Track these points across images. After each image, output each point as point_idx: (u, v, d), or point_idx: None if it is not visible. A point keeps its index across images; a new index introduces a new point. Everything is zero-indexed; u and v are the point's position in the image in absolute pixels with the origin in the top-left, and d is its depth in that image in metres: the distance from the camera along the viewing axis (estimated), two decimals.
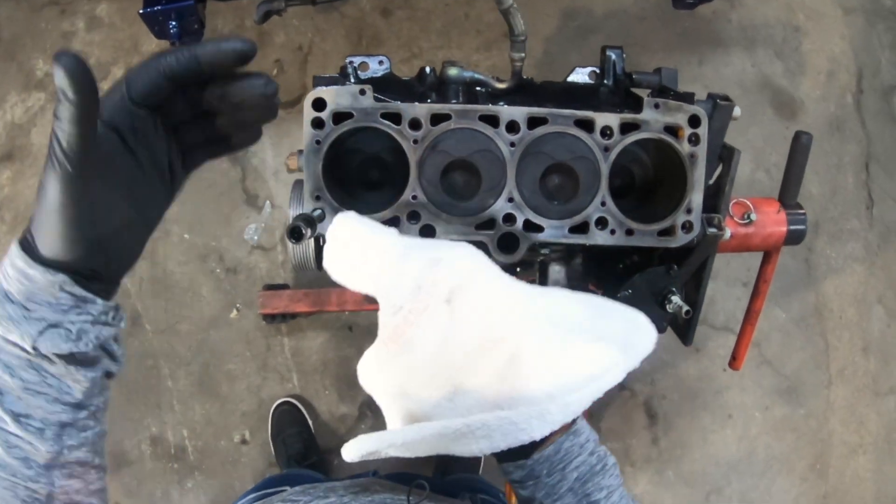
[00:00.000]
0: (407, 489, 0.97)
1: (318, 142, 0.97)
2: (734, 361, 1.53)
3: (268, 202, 2.43)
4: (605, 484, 0.76)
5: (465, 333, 0.73)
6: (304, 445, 2.28)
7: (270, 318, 2.23)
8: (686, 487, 2.45)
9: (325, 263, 0.80)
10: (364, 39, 2.52)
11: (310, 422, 2.34)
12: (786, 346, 2.50)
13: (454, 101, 1.13)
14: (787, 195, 1.34)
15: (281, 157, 2.44)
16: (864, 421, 2.52)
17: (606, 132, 0.98)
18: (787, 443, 2.48)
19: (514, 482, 0.78)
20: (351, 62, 1.13)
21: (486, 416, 0.70)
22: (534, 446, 0.73)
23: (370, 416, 2.36)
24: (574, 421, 0.76)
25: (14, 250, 0.61)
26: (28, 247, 0.61)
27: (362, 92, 0.96)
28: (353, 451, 0.75)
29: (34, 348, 0.62)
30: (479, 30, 2.52)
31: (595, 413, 2.41)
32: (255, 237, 2.40)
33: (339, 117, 0.97)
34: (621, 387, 2.44)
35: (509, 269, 1.42)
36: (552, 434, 0.73)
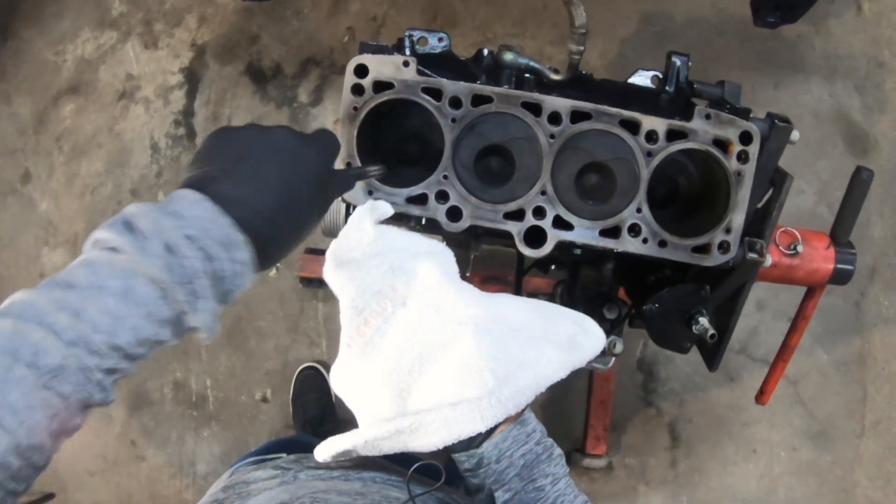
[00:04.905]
0: (399, 469, 0.97)
1: (355, 108, 0.96)
2: (762, 395, 1.48)
3: None
4: (551, 471, 0.80)
5: (419, 335, 0.80)
6: (321, 411, 2.29)
7: (308, 281, 2.25)
8: None
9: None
10: (439, 18, 2.50)
11: (332, 389, 2.35)
12: (823, 388, 2.41)
13: (505, 87, 1.11)
14: (840, 232, 1.28)
15: None
16: (892, 479, 2.41)
17: (652, 137, 0.95)
18: (810, 487, 2.40)
19: (465, 472, 0.82)
20: (410, 35, 1.12)
21: (433, 414, 0.76)
22: (483, 437, 0.78)
23: None
24: (522, 412, 0.81)
25: (244, 248, 0.65)
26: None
27: (406, 64, 0.95)
28: (324, 451, 0.85)
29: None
30: (555, 22, 2.48)
31: (618, 426, 2.36)
32: None
33: (379, 86, 0.96)
34: (647, 403, 2.39)
35: (541, 264, 1.40)
36: (500, 424, 0.78)
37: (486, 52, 1.15)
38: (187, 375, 2.39)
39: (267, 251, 0.69)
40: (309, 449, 1.26)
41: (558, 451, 0.83)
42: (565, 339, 0.83)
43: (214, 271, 0.63)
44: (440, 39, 1.15)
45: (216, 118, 2.49)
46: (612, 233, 0.96)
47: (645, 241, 0.97)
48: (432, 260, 0.85)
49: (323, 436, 2.24)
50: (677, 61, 1.17)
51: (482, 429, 0.75)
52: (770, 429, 2.40)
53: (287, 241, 0.73)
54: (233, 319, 2.39)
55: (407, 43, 1.11)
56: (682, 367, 2.39)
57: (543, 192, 0.94)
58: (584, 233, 0.96)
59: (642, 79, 1.20)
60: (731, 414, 2.40)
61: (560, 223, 0.95)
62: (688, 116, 0.96)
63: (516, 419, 0.81)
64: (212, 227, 0.62)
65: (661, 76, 1.18)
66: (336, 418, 2.29)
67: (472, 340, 0.78)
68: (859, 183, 1.24)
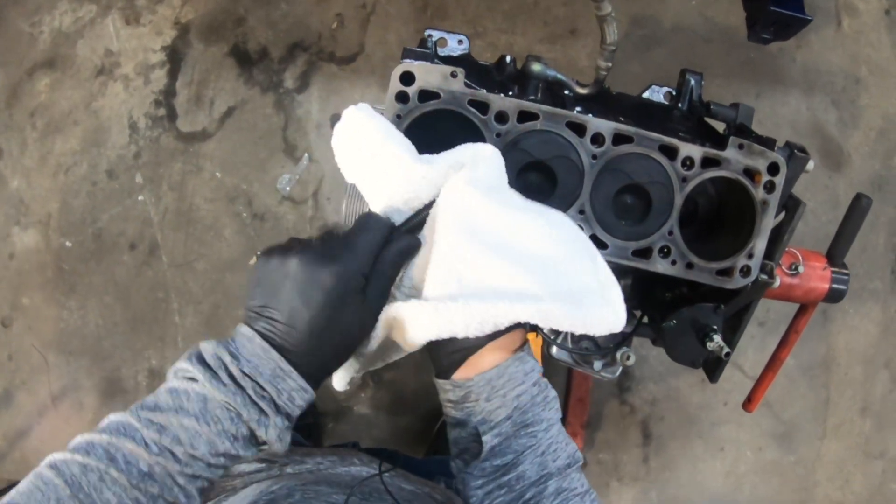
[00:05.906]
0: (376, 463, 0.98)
1: (398, 116, 0.95)
2: (749, 404, 1.53)
3: (306, 155, 2.41)
4: (546, 416, 0.76)
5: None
6: None
7: None
8: None
9: (339, 157, 0.85)
10: (430, 9, 2.48)
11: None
12: (789, 391, 2.50)
13: (531, 98, 1.11)
14: (836, 254, 1.32)
15: (327, 112, 2.42)
16: (850, 480, 2.52)
17: (687, 163, 0.97)
18: (773, 486, 2.49)
19: (447, 402, 0.78)
20: (430, 35, 1.12)
21: (404, 307, 0.74)
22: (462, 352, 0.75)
23: (371, 385, 2.36)
24: (522, 347, 0.78)
25: (294, 376, 0.71)
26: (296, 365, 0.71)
27: (454, 75, 0.95)
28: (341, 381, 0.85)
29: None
30: (546, 21, 2.49)
31: (592, 423, 2.41)
32: (288, 188, 2.39)
33: (425, 95, 0.96)
34: (622, 401, 2.45)
35: None
36: (493, 356, 0.75)
37: (508, 59, 1.16)
38: (163, 363, 2.35)
39: (315, 374, 0.74)
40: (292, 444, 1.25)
41: (553, 393, 0.79)
42: (565, 291, 0.75)
43: (271, 398, 0.70)
44: (460, 42, 1.16)
45: (199, 99, 2.43)
46: (644, 253, 0.98)
47: (674, 262, 0.99)
48: (490, 152, 0.86)
49: (302, 430, 2.24)
50: (691, 79, 1.19)
51: (431, 336, 0.71)
52: (738, 429, 2.48)
53: (332, 354, 0.76)
54: (211, 307, 2.36)
55: (430, 43, 1.11)
56: (655, 367, 2.45)
57: (582, 211, 0.96)
58: (616, 252, 0.98)
59: (656, 94, 1.22)
60: (701, 413, 2.47)
61: (595, 241, 0.97)
62: (716, 142, 0.98)
63: (515, 354, 0.76)
64: (262, 363, 0.70)
65: (673, 93, 1.21)
66: (317, 412, 2.29)
67: (461, 238, 0.75)
68: (858, 208, 1.28)
